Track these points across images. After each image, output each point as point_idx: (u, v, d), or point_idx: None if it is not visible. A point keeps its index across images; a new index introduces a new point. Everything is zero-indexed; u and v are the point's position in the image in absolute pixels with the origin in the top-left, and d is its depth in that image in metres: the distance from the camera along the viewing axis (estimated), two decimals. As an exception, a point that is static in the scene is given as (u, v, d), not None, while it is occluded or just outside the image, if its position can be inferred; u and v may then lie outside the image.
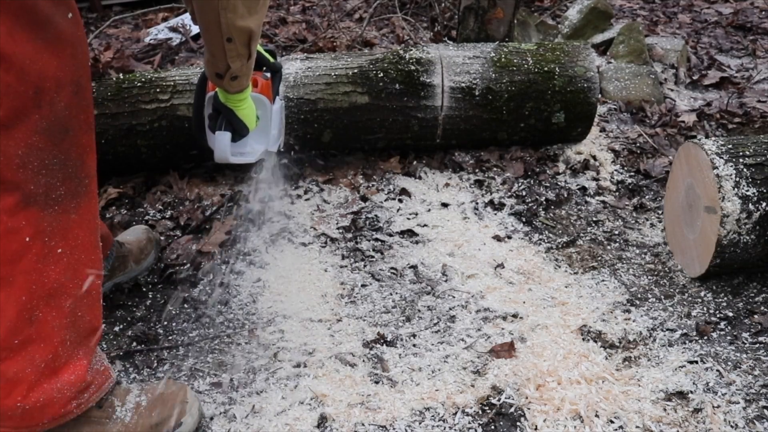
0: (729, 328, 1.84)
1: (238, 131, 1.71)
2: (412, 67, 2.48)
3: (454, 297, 1.98)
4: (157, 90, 2.37)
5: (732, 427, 1.53)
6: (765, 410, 1.57)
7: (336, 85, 2.45)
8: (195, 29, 3.87)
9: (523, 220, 2.34)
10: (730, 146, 1.95)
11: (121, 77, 2.43)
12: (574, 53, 2.61)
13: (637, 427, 1.53)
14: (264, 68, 1.84)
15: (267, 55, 1.85)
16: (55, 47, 1.18)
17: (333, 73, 2.46)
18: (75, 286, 1.31)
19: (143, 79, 2.40)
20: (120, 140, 2.37)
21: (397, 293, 2.00)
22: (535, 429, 1.53)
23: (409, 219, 2.33)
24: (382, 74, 2.47)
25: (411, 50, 2.55)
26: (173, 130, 2.38)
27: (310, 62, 2.52)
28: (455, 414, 1.57)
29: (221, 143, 1.68)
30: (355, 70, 2.47)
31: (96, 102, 2.34)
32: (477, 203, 2.41)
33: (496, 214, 2.37)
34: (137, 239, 2.03)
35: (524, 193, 2.45)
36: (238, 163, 1.81)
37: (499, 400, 1.61)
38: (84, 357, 1.36)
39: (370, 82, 2.46)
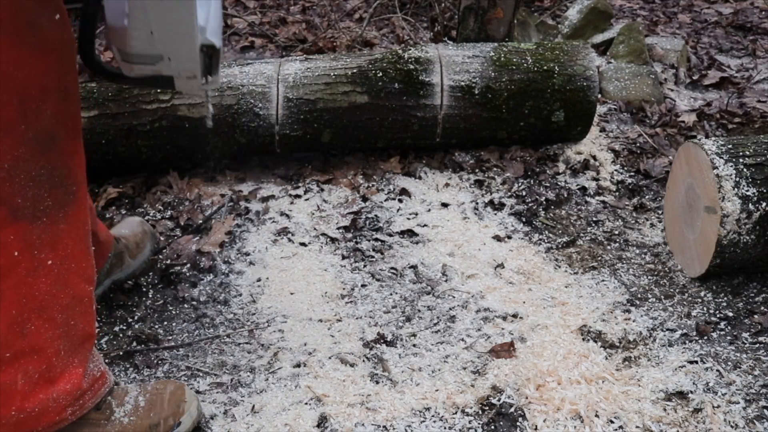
0: (729, 328, 1.84)
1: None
2: (411, 67, 2.48)
3: (454, 297, 1.98)
4: (158, 90, 2.37)
5: (732, 427, 1.53)
6: (765, 410, 1.57)
7: (335, 85, 2.45)
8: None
9: (523, 220, 2.34)
10: (730, 146, 1.96)
11: None
12: (574, 52, 2.61)
13: (637, 427, 1.53)
14: None
15: None
16: (41, 52, 1.13)
17: (332, 73, 2.47)
18: (66, 296, 1.29)
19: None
20: (120, 140, 2.37)
21: (397, 293, 2.00)
22: (535, 429, 1.53)
23: (409, 219, 2.33)
24: (381, 74, 2.47)
25: (410, 49, 2.55)
26: (174, 131, 2.38)
27: (309, 63, 2.52)
28: (455, 414, 1.58)
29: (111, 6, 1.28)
30: (354, 70, 2.47)
31: (96, 102, 2.34)
32: (477, 203, 2.41)
33: (496, 214, 2.37)
34: (133, 233, 2.01)
35: (524, 193, 2.45)
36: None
37: (499, 400, 1.61)
38: (80, 365, 1.35)
39: (369, 81, 2.46)
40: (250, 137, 2.45)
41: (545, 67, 2.55)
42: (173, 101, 2.36)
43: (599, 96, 3.07)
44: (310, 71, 2.47)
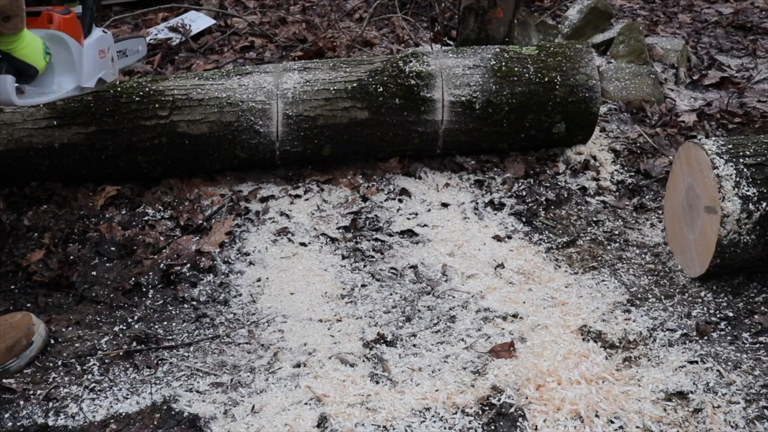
0: (729, 328, 1.84)
1: (25, 72, 1.69)
2: (413, 82, 2.45)
3: (454, 297, 1.98)
4: (156, 106, 2.33)
5: (732, 427, 1.53)
6: (765, 410, 1.57)
7: (335, 101, 2.42)
8: (195, 29, 3.88)
9: (523, 220, 2.33)
10: (730, 146, 1.95)
11: (119, 90, 2.36)
12: (576, 58, 2.57)
13: (637, 427, 1.53)
14: (75, 1, 1.82)
15: None
16: None
17: (332, 88, 2.43)
18: None
19: (141, 93, 2.34)
20: (120, 156, 2.34)
21: (397, 293, 2.00)
22: (535, 429, 1.53)
23: (409, 219, 2.33)
24: (381, 88, 2.44)
25: (411, 62, 2.50)
26: (173, 147, 2.36)
27: (308, 74, 2.47)
28: (455, 414, 1.57)
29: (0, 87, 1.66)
30: (354, 84, 2.44)
31: (95, 117, 2.30)
32: (477, 203, 2.41)
33: (496, 214, 2.37)
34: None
35: (524, 193, 2.45)
36: (35, 104, 1.80)
37: (499, 400, 1.61)
38: None
39: (369, 97, 2.43)
40: (250, 153, 2.43)
41: (546, 78, 2.51)
42: (172, 117, 2.33)
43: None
44: (309, 85, 2.43)
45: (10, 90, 1.68)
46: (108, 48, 1.96)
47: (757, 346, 1.78)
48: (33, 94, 1.77)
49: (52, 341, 1.81)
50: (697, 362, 1.71)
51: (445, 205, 2.40)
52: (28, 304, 1.95)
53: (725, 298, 1.96)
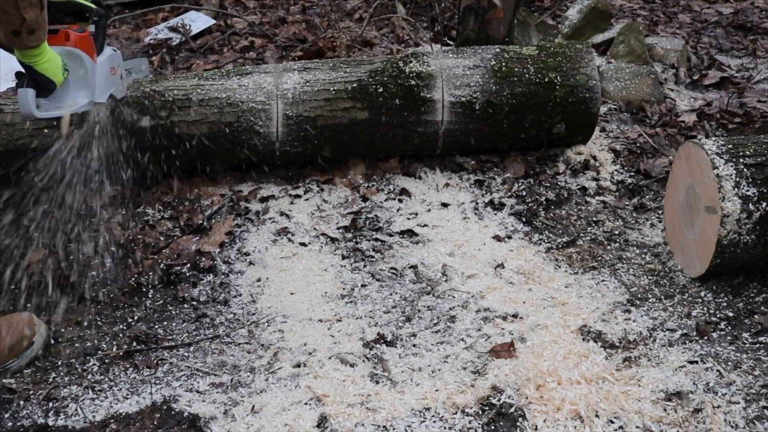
0: (729, 328, 1.84)
1: (44, 86, 1.74)
2: (413, 82, 2.45)
3: (454, 297, 1.98)
4: (156, 106, 2.34)
5: (732, 427, 1.53)
6: (765, 410, 1.57)
7: (335, 101, 2.42)
8: (195, 29, 3.88)
9: (523, 220, 2.33)
10: (730, 146, 1.95)
11: None
12: (576, 58, 2.56)
13: (637, 427, 1.53)
14: (90, 19, 1.86)
15: (87, 2, 1.86)
16: None
17: (332, 88, 2.43)
18: None
19: (141, 93, 2.34)
20: (119, 155, 2.35)
21: (397, 293, 2.00)
22: (535, 429, 1.53)
23: (409, 219, 2.33)
24: (381, 89, 2.44)
25: (411, 62, 2.50)
26: (172, 148, 2.36)
27: (308, 74, 2.47)
28: (455, 414, 1.57)
29: (21, 99, 1.72)
30: (354, 84, 2.43)
31: (93, 116, 2.31)
32: (477, 203, 2.41)
33: (496, 214, 2.37)
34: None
35: (524, 193, 2.45)
36: (54, 116, 1.84)
37: (499, 400, 1.61)
38: None
39: (369, 97, 2.43)
40: (250, 153, 2.43)
41: (546, 79, 2.51)
42: (172, 118, 2.34)
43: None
44: (309, 85, 2.43)
45: (31, 103, 1.74)
46: (118, 65, 2.02)
47: (757, 346, 1.78)
48: (49, 107, 1.83)
49: (52, 341, 1.81)
50: (697, 362, 1.71)
51: (445, 205, 2.40)
52: (28, 304, 1.95)
53: (725, 298, 1.96)
